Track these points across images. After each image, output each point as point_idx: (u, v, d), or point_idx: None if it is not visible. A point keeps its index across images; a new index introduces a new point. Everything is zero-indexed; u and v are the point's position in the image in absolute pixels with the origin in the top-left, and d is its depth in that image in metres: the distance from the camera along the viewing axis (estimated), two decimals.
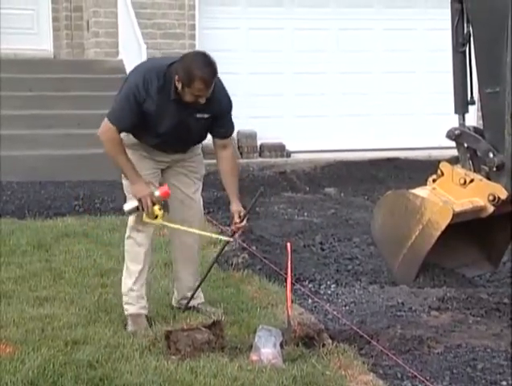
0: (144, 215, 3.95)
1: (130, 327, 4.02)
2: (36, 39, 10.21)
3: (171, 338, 3.64)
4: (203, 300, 4.31)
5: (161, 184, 4.13)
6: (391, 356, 3.62)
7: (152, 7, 9.52)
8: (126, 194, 4.07)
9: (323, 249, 5.83)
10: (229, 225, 6.33)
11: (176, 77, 3.76)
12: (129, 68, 9.06)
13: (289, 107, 10.25)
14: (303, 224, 6.69)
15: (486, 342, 3.81)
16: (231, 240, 4.21)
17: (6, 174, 7.66)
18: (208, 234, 4.32)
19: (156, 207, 3.92)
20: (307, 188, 8.62)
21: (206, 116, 3.93)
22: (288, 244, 3.87)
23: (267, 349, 3.55)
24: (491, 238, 5.04)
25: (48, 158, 8.00)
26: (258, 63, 10.06)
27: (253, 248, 5.56)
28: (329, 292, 4.76)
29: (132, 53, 8.87)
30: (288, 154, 9.78)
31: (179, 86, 3.77)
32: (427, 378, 3.40)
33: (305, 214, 7.20)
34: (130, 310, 4.10)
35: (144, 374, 3.37)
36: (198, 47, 9.65)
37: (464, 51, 4.86)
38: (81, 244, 5.72)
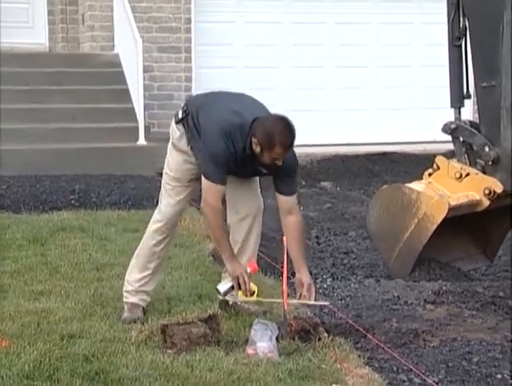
0: (240, 293, 3.85)
1: (124, 314, 4.03)
2: (32, 32, 10.16)
3: (167, 332, 3.64)
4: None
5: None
6: (387, 350, 3.63)
7: (148, 1, 9.48)
8: (163, 191, 4.07)
9: (319, 243, 5.84)
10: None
11: (255, 140, 3.71)
12: (124, 62, 9.07)
13: (285, 101, 10.20)
14: None
15: (481, 336, 3.82)
16: (326, 303, 4.08)
17: (2, 168, 7.63)
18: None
19: (252, 283, 3.85)
20: (303, 182, 8.61)
21: (265, 171, 3.90)
22: (284, 238, 3.87)
23: (263, 343, 3.55)
24: (486, 232, 5.06)
25: (44, 152, 7.98)
26: (254, 57, 10.03)
27: None
28: (325, 286, 4.77)
29: (128, 47, 8.84)
30: None
31: (257, 149, 3.71)
32: (423, 371, 3.41)
33: (301, 208, 7.10)
34: (129, 298, 4.11)
35: (140, 368, 3.37)
36: (194, 41, 9.64)
37: (460, 45, 4.86)
38: (77, 239, 5.71)
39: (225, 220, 3.94)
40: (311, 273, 4.92)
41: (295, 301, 3.88)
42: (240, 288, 3.81)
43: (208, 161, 3.79)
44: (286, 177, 3.90)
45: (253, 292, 3.85)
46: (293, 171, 3.94)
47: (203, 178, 3.81)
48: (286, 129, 3.71)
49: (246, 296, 3.82)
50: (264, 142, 3.68)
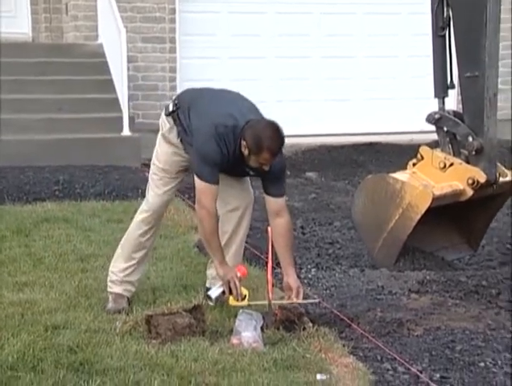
0: (231, 298, 3.82)
1: (109, 305, 4.04)
2: (14, 22, 10.06)
3: (152, 323, 3.64)
4: None
5: None
6: (371, 339, 3.65)
7: None
8: (151, 181, 4.05)
9: (304, 233, 5.85)
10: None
11: (244, 143, 3.72)
12: (108, 52, 9.01)
13: (271, 91, 10.21)
14: None
15: (465, 325, 3.85)
16: (316, 301, 4.06)
17: None
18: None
19: (242, 288, 3.83)
20: (288, 172, 8.59)
21: (252, 173, 3.92)
22: (269, 229, 3.88)
23: (248, 333, 3.57)
24: (470, 221, 5.08)
25: (28, 143, 7.92)
26: (239, 47, 10.00)
27: None
28: (310, 276, 4.78)
29: (112, 37, 8.78)
30: None
31: (246, 152, 3.72)
32: (407, 360, 3.43)
33: (286, 198, 7.18)
34: (113, 288, 4.11)
35: (125, 358, 3.38)
36: (178, 31, 9.59)
37: (444, 35, 4.87)
38: (61, 230, 5.69)
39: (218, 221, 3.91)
40: (295, 264, 4.95)
41: (284, 301, 3.88)
42: (231, 293, 3.81)
43: (202, 162, 3.78)
44: (274, 179, 3.91)
45: (245, 296, 3.83)
46: (281, 174, 3.96)
47: (196, 179, 3.80)
48: (275, 134, 3.72)
49: (237, 300, 3.81)
50: (252, 146, 3.70)
